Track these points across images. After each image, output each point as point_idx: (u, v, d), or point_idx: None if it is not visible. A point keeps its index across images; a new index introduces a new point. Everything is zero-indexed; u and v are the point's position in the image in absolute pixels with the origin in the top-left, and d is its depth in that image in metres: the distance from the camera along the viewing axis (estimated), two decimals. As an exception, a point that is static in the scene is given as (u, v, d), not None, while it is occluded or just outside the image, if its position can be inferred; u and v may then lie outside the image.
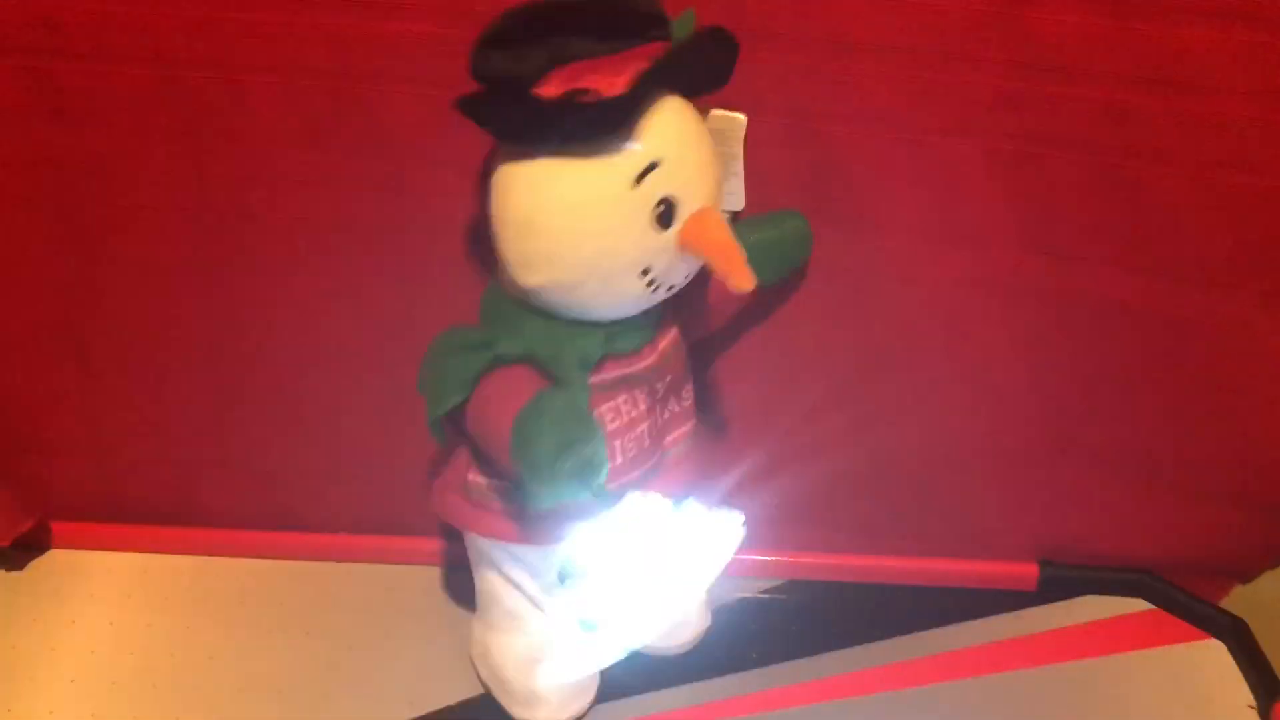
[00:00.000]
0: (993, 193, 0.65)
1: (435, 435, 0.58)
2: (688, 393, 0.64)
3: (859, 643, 0.72)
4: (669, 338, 0.60)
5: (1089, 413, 0.72)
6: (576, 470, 0.51)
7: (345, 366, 0.74)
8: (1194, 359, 0.69)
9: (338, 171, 0.67)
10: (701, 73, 0.55)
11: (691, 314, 0.62)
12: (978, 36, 0.61)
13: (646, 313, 0.57)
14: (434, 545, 0.77)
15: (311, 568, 0.77)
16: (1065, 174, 0.64)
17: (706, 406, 0.71)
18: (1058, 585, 0.76)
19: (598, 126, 0.51)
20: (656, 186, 0.52)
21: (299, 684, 0.69)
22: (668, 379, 0.60)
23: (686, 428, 0.64)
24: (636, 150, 0.52)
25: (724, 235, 0.53)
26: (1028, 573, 0.76)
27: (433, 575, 0.77)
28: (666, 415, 0.62)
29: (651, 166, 0.52)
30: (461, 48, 0.61)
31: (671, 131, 0.53)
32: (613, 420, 0.58)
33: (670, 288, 0.55)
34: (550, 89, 0.51)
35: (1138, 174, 0.63)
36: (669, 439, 0.63)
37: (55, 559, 0.78)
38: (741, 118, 0.62)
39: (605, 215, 0.52)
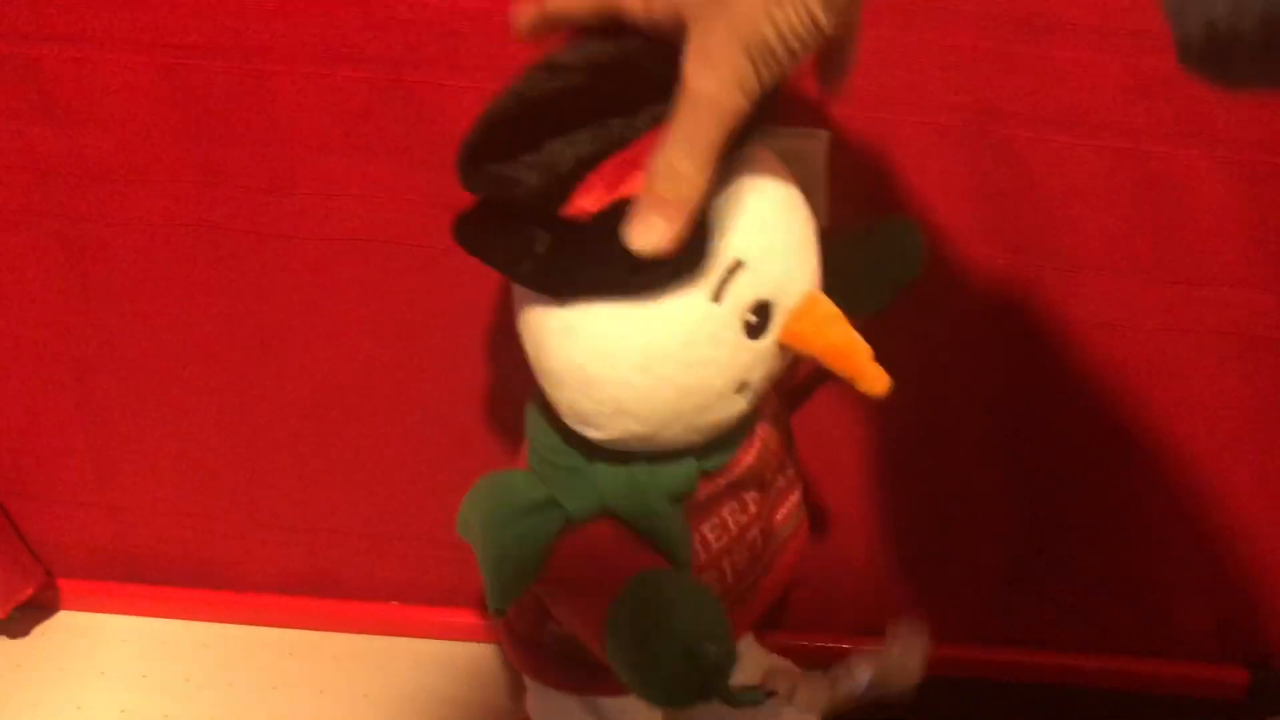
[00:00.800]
0: (1223, 217, 0.52)
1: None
2: (790, 454, 0.53)
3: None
4: (766, 415, 0.49)
5: None
6: (699, 679, 0.39)
7: (387, 406, 0.64)
8: None
9: (381, 181, 0.57)
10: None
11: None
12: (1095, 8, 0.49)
13: (744, 419, 0.45)
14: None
15: (357, 642, 0.68)
16: (1191, 179, 0.52)
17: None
18: (1273, 693, 0.65)
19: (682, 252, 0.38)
20: (744, 291, 0.40)
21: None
22: (773, 463, 0.50)
23: (795, 496, 0.53)
24: (709, 259, 0.39)
25: (843, 332, 0.42)
26: (1237, 678, 0.66)
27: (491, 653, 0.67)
28: (773, 493, 0.51)
29: (734, 269, 0.39)
30: None
31: (749, 209, 0.40)
32: (718, 539, 0.48)
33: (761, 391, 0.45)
34: (586, 201, 0.38)
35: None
36: (779, 517, 0.52)
37: (63, 622, 0.70)
38: (823, 135, 0.51)
39: (684, 351, 0.40)
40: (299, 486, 0.67)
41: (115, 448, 0.67)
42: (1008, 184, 0.53)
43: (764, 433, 0.48)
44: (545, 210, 0.39)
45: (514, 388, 0.60)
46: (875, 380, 0.41)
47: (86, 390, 0.65)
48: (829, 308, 0.42)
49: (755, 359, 0.42)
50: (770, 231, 0.41)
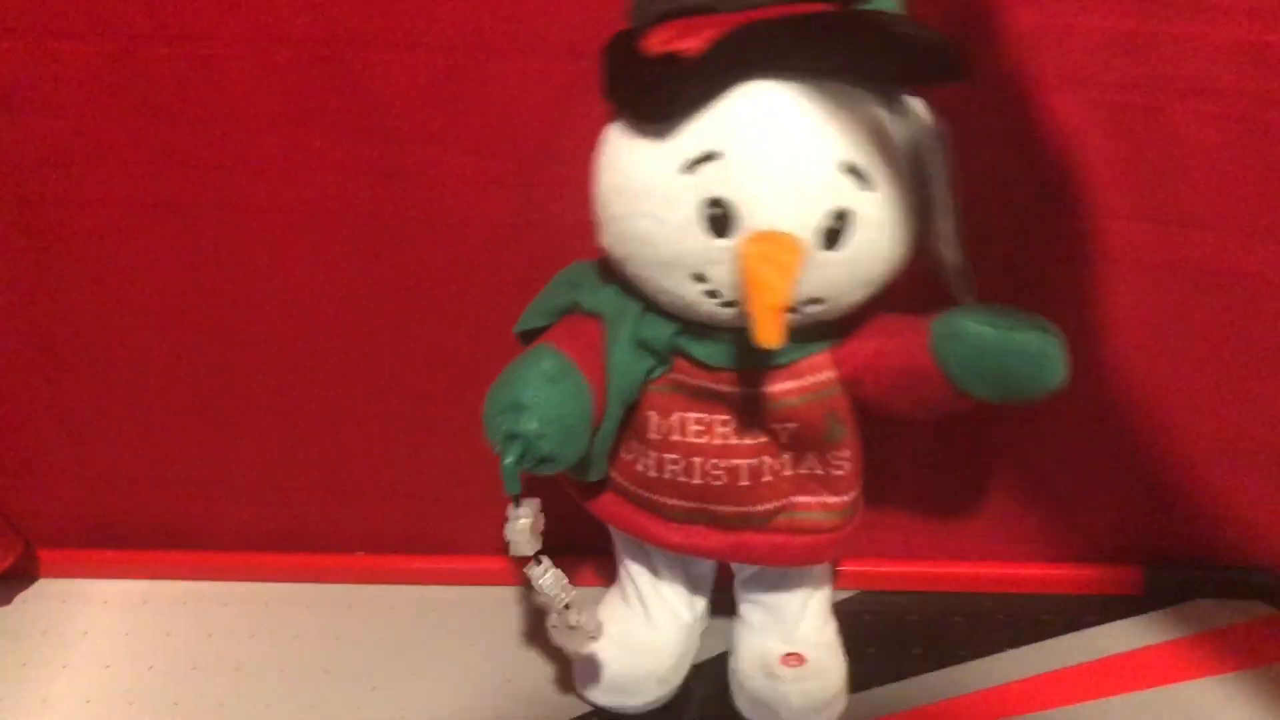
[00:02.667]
0: (1103, 153, 0.56)
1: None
2: (840, 461, 0.54)
3: (945, 664, 0.64)
4: (800, 383, 0.51)
5: (1207, 396, 0.63)
6: (500, 435, 0.47)
7: (347, 369, 0.66)
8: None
9: (327, 155, 0.59)
10: (878, 59, 0.45)
11: (859, 382, 0.53)
12: None
13: (740, 336, 0.47)
14: (460, 563, 0.70)
15: (328, 591, 0.70)
16: (1190, 129, 0.55)
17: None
18: (1167, 589, 0.69)
19: (658, 92, 0.44)
20: (710, 182, 0.44)
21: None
22: (791, 427, 0.52)
23: (830, 500, 0.55)
24: (694, 132, 0.44)
25: (766, 270, 0.44)
26: (1132, 576, 0.69)
27: (461, 595, 0.70)
28: (802, 471, 0.54)
29: (706, 157, 0.44)
30: (460, 3, 0.54)
31: (752, 121, 0.44)
32: (699, 435, 0.52)
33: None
34: (655, 42, 0.45)
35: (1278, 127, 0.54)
36: (801, 500, 0.55)
37: (44, 589, 0.71)
38: (925, 119, 0.47)
39: (644, 198, 0.47)
40: (264, 448, 0.69)
41: (87, 420, 0.68)
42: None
43: (776, 391, 0.51)
44: (628, 41, 0.46)
45: (461, 343, 0.63)
46: (766, 333, 0.43)
47: (56, 365, 0.66)
48: (780, 251, 0.44)
49: (711, 254, 0.46)
50: (770, 147, 0.44)
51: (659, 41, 0.44)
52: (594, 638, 0.55)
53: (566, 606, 0.52)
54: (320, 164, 0.59)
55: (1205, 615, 0.67)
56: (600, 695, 0.60)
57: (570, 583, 0.52)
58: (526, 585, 0.59)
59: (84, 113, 0.58)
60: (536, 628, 0.66)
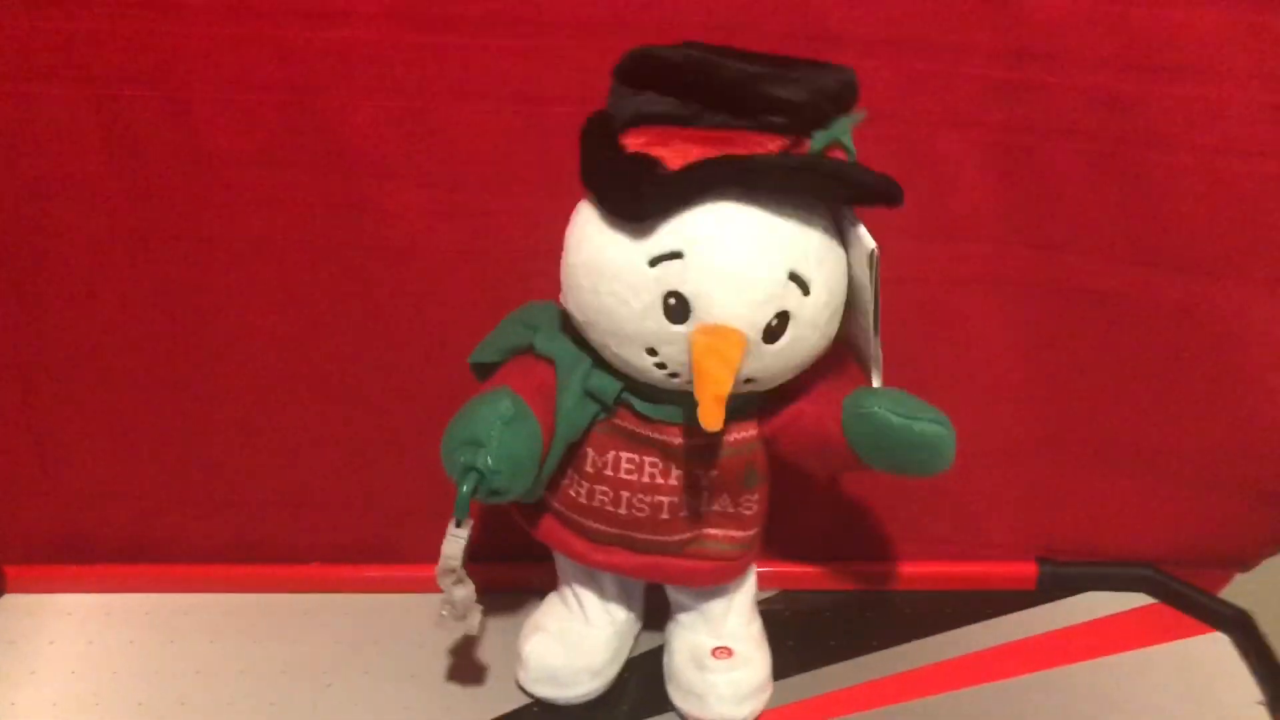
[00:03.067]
0: (985, 185, 0.64)
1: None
2: (749, 503, 0.61)
3: (858, 654, 0.70)
4: (729, 438, 0.57)
5: (1086, 406, 0.70)
6: (458, 467, 0.52)
7: (305, 390, 0.71)
8: (1193, 348, 0.67)
9: (292, 189, 0.64)
10: (828, 191, 0.52)
11: (774, 441, 0.60)
12: (967, 24, 0.59)
13: (679, 396, 0.55)
14: (412, 572, 0.74)
15: (284, 600, 0.74)
16: (1059, 164, 0.62)
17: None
18: (1058, 583, 0.75)
19: (633, 192, 0.50)
20: (671, 277, 0.51)
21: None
22: (713, 473, 0.58)
23: (736, 534, 0.61)
24: (662, 232, 0.50)
25: (713, 362, 0.50)
26: (1027, 572, 0.75)
27: (412, 603, 0.73)
28: (714, 509, 0.60)
29: (671, 255, 0.50)
30: (414, 54, 0.59)
31: (714, 232, 0.50)
32: (630, 473, 0.58)
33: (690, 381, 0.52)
34: (632, 140, 0.51)
35: (1135, 162, 0.62)
36: (711, 533, 0.61)
37: (10, 604, 0.74)
38: (868, 243, 0.52)
39: (611, 280, 0.52)
40: (224, 466, 0.73)
41: (58, 442, 0.72)
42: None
43: (709, 443, 0.57)
44: (606, 133, 0.52)
45: (414, 364, 0.68)
46: (709, 419, 0.49)
47: (31, 392, 0.70)
48: (727, 346, 0.50)
49: (665, 336, 0.52)
50: (724, 254, 0.50)
51: (638, 143, 0.51)
52: (463, 618, 0.60)
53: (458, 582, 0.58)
54: (286, 198, 0.64)
55: (1092, 606, 0.73)
56: (540, 688, 0.65)
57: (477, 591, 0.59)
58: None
59: (67, 152, 0.63)
60: (486, 634, 0.70)
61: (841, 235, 0.54)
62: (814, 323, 0.53)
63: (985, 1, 0.58)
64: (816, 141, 0.51)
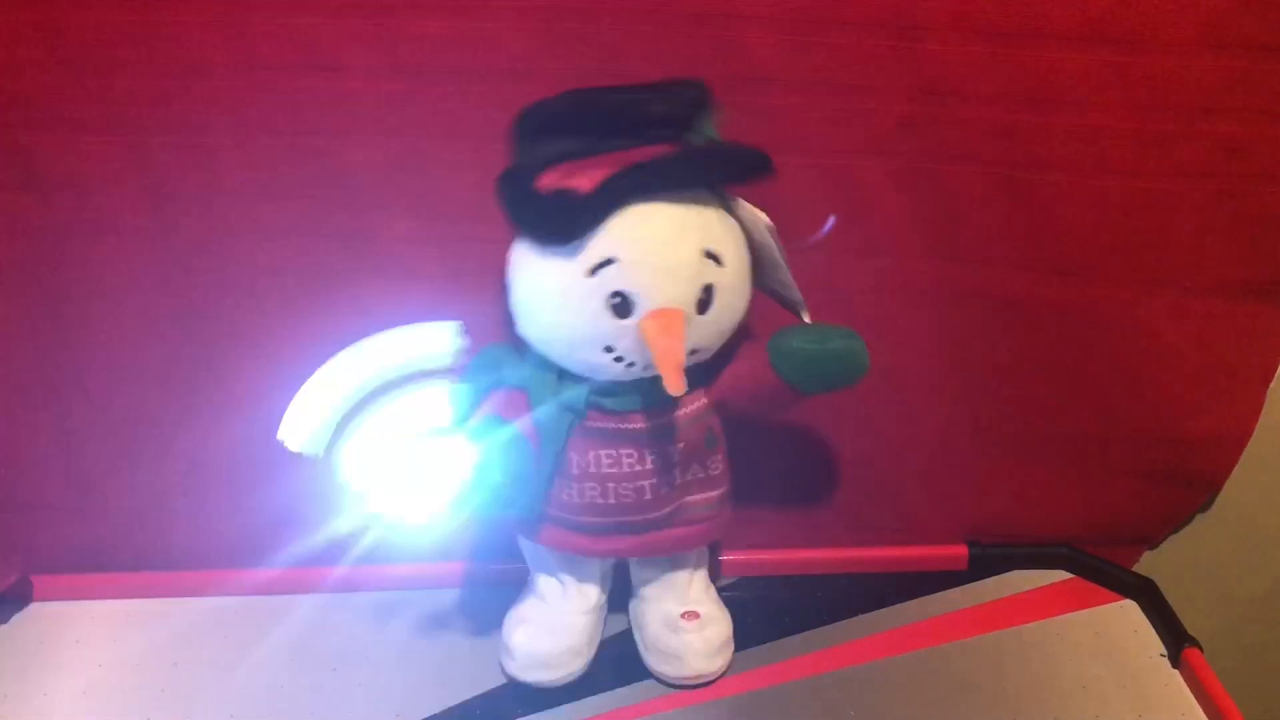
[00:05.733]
0: (899, 206, 0.72)
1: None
2: (715, 464, 0.68)
3: (810, 628, 0.77)
4: (684, 411, 0.65)
5: (1003, 400, 0.78)
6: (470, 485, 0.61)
7: None
8: (1084, 344, 0.75)
9: (297, 220, 0.72)
10: (713, 173, 0.61)
11: (724, 403, 0.67)
12: (881, 67, 0.67)
13: (636, 384, 0.63)
14: (395, 570, 0.80)
15: (285, 601, 0.80)
16: (962, 186, 0.71)
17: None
18: (986, 563, 0.82)
19: (561, 220, 0.58)
20: (610, 280, 0.58)
21: (285, 708, 0.71)
22: (679, 446, 0.65)
23: (711, 494, 0.69)
24: (594, 246, 0.58)
25: (665, 339, 0.57)
26: (958, 554, 0.82)
27: (413, 601, 0.80)
28: (689, 478, 0.67)
29: (606, 262, 0.58)
30: (406, 101, 0.68)
31: (636, 234, 0.58)
32: (610, 466, 0.65)
33: (647, 366, 0.60)
34: (547, 181, 0.58)
35: (1025, 183, 0.70)
36: (691, 499, 0.68)
37: (38, 611, 0.80)
38: (760, 217, 0.62)
39: (560, 297, 0.59)
40: (233, 480, 0.78)
41: (86, 461, 0.78)
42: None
43: (670, 420, 0.64)
44: (523, 180, 0.58)
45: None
46: (675, 385, 0.56)
47: (61, 413, 0.76)
48: (672, 323, 0.58)
49: (618, 332, 0.59)
50: (647, 249, 0.58)
51: (551, 180, 0.57)
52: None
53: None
54: (292, 227, 0.71)
55: (1018, 582, 0.81)
56: (530, 674, 0.71)
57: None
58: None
59: (100, 193, 0.70)
60: (469, 624, 0.77)
61: (734, 215, 0.62)
62: (733, 288, 0.61)
63: (896, 47, 0.67)
64: (693, 139, 0.60)
